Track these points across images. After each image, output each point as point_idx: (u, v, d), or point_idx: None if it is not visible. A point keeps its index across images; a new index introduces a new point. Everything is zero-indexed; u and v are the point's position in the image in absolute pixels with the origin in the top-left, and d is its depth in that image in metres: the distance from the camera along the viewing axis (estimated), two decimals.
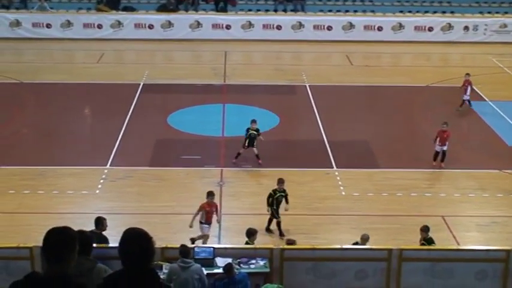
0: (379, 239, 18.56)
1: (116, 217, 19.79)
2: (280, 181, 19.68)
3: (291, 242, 16.85)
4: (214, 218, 18.76)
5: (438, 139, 23.34)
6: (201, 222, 18.56)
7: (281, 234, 19.22)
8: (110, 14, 40.11)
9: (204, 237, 18.58)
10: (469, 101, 28.51)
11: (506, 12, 41.72)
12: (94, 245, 10.13)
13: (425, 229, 17.37)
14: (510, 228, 19.86)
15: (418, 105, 29.36)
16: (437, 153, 23.41)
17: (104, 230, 15.90)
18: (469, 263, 16.15)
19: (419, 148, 25.30)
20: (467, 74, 28.86)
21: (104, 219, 16.10)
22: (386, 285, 16.07)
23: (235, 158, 23.59)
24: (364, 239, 17.52)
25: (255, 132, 23.42)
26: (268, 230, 19.46)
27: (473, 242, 19.02)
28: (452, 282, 16.11)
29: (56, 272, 6.20)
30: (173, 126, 26.91)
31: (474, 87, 31.62)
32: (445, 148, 23.29)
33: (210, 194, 18.75)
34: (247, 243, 16.91)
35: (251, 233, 17.05)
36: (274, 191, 19.49)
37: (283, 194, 19.52)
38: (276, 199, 19.40)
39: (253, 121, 23.63)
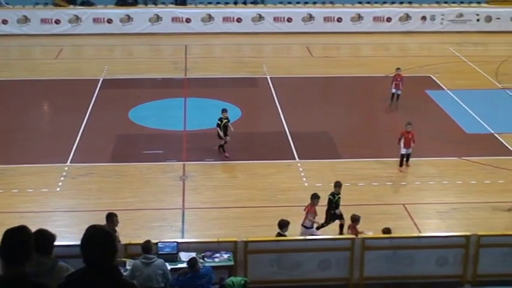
0: None
1: (77, 215, 19.74)
2: (337, 184, 19.12)
3: (386, 230, 16.85)
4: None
5: (403, 141, 22.54)
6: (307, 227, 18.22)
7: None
8: (68, 9, 39.76)
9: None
10: (398, 95, 27.99)
11: (462, 2, 42.22)
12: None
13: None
14: (469, 215, 20.15)
15: (378, 95, 29.56)
16: (402, 156, 22.76)
17: (115, 226, 15.67)
18: (430, 249, 16.43)
19: (380, 138, 25.52)
20: (398, 68, 28.60)
21: (115, 215, 15.93)
22: (349, 274, 16.26)
23: (224, 152, 23.58)
24: (355, 220, 17.63)
25: (227, 120, 23.41)
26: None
27: (434, 229, 19.25)
28: (414, 269, 16.37)
29: (14, 273, 6.16)
30: (134, 121, 26.79)
31: (432, 76, 32.09)
32: (410, 151, 22.72)
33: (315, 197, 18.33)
34: (279, 234, 16.69)
35: (284, 225, 16.82)
36: (333, 194, 18.95)
37: (340, 196, 19.02)
38: (335, 203, 18.88)
39: (225, 110, 23.67)
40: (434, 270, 16.45)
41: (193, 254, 15.16)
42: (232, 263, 15.57)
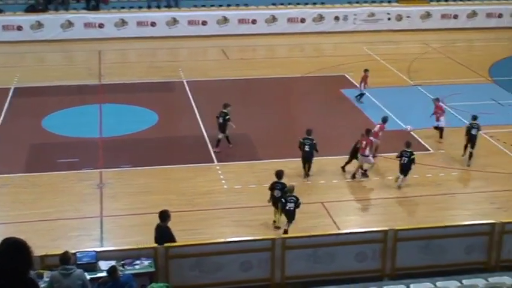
0: (263, 230, 18.82)
1: None
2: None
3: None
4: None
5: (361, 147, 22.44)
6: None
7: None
8: None
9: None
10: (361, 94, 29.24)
11: (373, 2, 42.99)
12: None
13: None
14: (386, 210, 20.54)
15: (294, 95, 29.83)
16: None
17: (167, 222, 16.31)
18: (349, 245, 16.65)
19: (297, 137, 25.69)
20: (366, 70, 29.29)
21: (168, 215, 16.34)
22: (271, 274, 16.33)
23: (229, 144, 24.46)
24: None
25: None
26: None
27: (353, 225, 19.53)
28: (334, 265, 16.57)
29: None
30: (48, 130, 26.27)
31: (346, 75, 32.60)
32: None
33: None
34: (275, 183, 19.28)
35: (280, 175, 19.38)
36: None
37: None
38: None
39: (227, 105, 24.56)
40: (354, 266, 16.69)
41: (113, 262, 14.95)
42: (153, 269, 15.42)
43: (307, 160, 22.53)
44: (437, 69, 29.64)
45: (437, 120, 25.45)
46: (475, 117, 24.14)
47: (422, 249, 16.87)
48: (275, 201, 19.27)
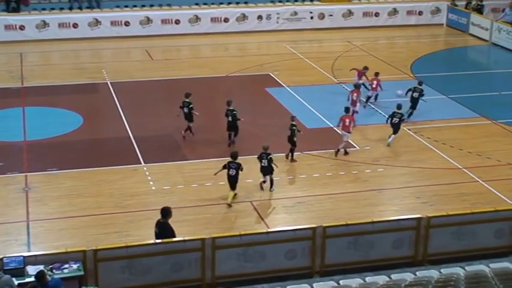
0: (192, 230, 18.80)
1: None
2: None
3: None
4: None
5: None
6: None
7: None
8: None
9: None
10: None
11: (296, 0, 43.39)
12: None
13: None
14: (314, 207, 20.76)
15: (219, 95, 29.84)
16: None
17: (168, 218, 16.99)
18: (279, 244, 16.82)
19: (225, 136, 25.78)
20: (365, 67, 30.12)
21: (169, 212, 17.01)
22: (202, 274, 16.37)
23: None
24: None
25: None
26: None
27: (282, 223, 19.66)
28: (265, 264, 16.73)
29: None
30: None
31: (271, 74, 32.86)
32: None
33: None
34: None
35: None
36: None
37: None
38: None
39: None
40: (284, 264, 16.87)
41: (41, 267, 14.77)
42: (82, 272, 15.30)
43: (231, 129, 24.94)
44: (361, 66, 30.10)
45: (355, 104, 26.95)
46: (399, 107, 25.54)
47: (351, 245, 17.18)
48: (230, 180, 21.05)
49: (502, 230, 18.13)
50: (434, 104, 29.38)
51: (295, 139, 23.71)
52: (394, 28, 42.82)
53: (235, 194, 20.97)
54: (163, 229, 16.68)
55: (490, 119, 27.88)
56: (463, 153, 24.66)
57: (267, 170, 21.59)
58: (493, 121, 27.68)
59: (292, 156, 23.86)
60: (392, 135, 25.20)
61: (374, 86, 28.81)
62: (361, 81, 29.21)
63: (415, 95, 27.43)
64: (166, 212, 16.92)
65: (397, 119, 25.06)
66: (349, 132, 24.44)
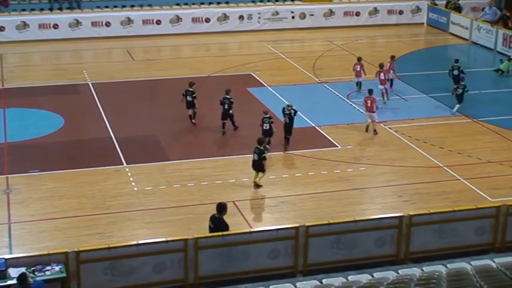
0: (175, 231, 18.80)
1: None
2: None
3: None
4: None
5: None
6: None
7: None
8: None
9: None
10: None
11: (277, 0, 43.44)
12: None
13: None
14: (296, 207, 20.79)
15: (201, 95, 29.74)
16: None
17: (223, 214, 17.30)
18: (262, 243, 16.82)
19: (206, 137, 25.78)
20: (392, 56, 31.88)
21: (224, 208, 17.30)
22: (185, 275, 16.36)
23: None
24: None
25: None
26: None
27: (265, 223, 19.71)
28: (248, 264, 16.72)
29: None
30: None
31: (253, 74, 32.88)
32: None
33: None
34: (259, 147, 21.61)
35: (262, 141, 21.98)
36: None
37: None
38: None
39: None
40: (267, 263, 16.87)
41: (23, 269, 14.70)
42: (64, 274, 15.24)
43: (226, 117, 25.86)
44: (342, 66, 30.21)
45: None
46: (462, 79, 28.76)
47: (334, 244, 17.21)
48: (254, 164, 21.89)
49: (483, 228, 18.23)
50: (415, 102, 29.55)
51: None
52: (375, 27, 42.99)
53: (262, 175, 21.95)
54: (218, 224, 17.01)
55: (471, 117, 28.04)
56: (444, 152, 24.80)
57: (267, 134, 23.84)
58: (473, 119, 27.85)
59: (287, 143, 24.87)
60: (457, 105, 27.95)
61: (382, 78, 29.51)
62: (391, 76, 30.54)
63: (455, 72, 30.02)
64: (222, 208, 17.25)
65: (461, 90, 27.87)
66: (373, 112, 26.06)
